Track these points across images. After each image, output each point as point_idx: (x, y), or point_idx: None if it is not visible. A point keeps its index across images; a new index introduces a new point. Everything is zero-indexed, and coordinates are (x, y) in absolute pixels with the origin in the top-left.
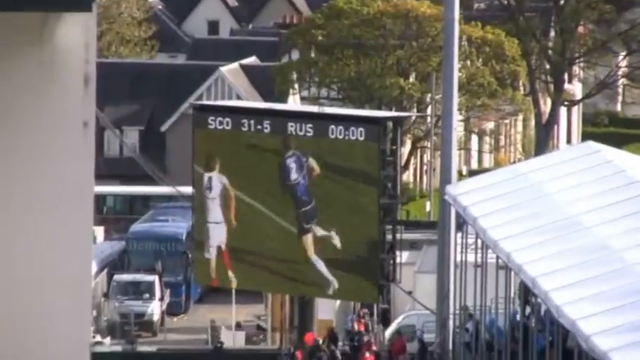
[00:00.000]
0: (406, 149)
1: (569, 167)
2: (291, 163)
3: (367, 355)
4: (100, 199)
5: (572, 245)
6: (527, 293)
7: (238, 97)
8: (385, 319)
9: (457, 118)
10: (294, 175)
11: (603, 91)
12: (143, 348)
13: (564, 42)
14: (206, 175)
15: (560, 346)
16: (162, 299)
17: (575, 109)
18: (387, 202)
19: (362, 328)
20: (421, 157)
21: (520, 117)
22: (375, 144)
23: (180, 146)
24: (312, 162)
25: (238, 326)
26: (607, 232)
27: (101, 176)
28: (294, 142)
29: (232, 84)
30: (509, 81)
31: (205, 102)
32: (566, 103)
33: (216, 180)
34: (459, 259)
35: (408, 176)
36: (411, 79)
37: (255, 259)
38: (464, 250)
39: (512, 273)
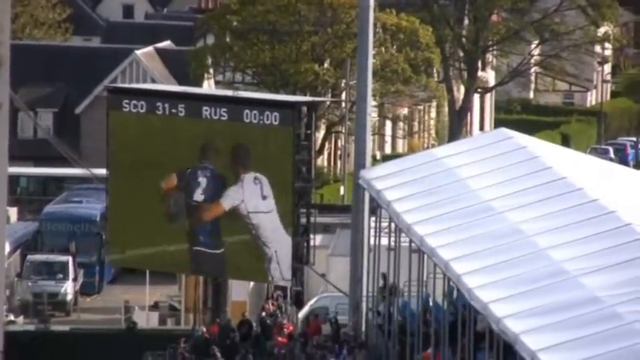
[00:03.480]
0: (320, 134)
1: (482, 153)
2: (201, 177)
3: (280, 336)
4: (13, 180)
5: (484, 230)
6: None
7: (153, 81)
8: (298, 301)
9: (371, 103)
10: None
11: (516, 78)
12: (56, 327)
13: (478, 30)
14: None
15: (472, 328)
16: (75, 279)
17: (488, 96)
18: (301, 185)
19: (274, 309)
20: (335, 141)
21: (434, 103)
22: (290, 128)
23: (94, 129)
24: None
25: (155, 306)
26: (519, 217)
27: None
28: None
29: (147, 67)
30: (423, 68)
31: (120, 85)
32: (479, 90)
33: None
34: (372, 242)
35: (322, 160)
36: (326, 65)
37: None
38: (377, 233)
39: (425, 256)
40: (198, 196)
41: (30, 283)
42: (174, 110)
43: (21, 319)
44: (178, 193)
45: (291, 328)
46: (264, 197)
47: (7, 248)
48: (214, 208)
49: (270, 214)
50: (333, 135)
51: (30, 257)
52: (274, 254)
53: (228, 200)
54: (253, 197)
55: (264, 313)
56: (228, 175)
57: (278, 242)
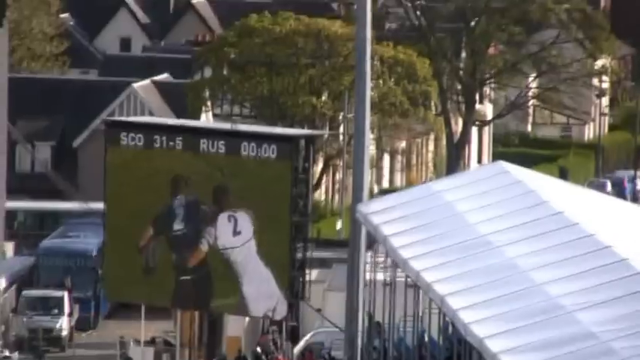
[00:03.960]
0: (318, 167)
1: (479, 187)
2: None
3: None
4: (10, 215)
5: (480, 265)
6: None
7: (151, 114)
8: (294, 337)
9: (369, 136)
10: (177, 226)
11: (514, 111)
12: None
13: (475, 63)
14: None
15: None
16: (71, 314)
17: (486, 129)
18: (298, 219)
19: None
20: (333, 175)
21: (432, 136)
22: (288, 162)
23: (92, 162)
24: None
25: (153, 342)
26: (515, 251)
27: (12, 191)
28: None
29: (145, 100)
30: (421, 101)
31: (117, 118)
32: (477, 123)
33: None
34: (368, 277)
35: (319, 194)
36: (324, 98)
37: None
38: (374, 268)
39: (421, 292)
40: (178, 224)
41: (25, 319)
42: (171, 143)
43: (16, 354)
44: (156, 243)
45: None
46: (237, 233)
47: (3, 284)
48: (196, 254)
49: (242, 247)
50: (331, 168)
51: (25, 292)
52: (248, 288)
53: (205, 243)
54: (225, 234)
55: (259, 349)
56: (207, 212)
57: (252, 275)
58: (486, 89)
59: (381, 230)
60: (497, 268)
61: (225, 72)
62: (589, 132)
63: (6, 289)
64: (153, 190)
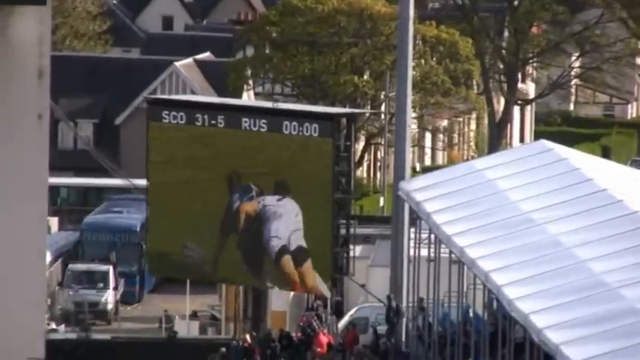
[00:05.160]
0: (360, 145)
1: (522, 165)
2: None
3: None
4: (54, 191)
5: (524, 242)
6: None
7: (192, 92)
8: (338, 311)
9: (411, 115)
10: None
11: (556, 90)
12: (97, 336)
13: (518, 42)
14: None
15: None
16: (116, 288)
17: (528, 108)
18: (340, 197)
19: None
20: (375, 153)
21: (473, 115)
22: (329, 140)
23: (134, 140)
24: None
25: (194, 316)
26: (559, 229)
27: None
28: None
29: (186, 79)
30: (463, 80)
31: (159, 96)
32: (519, 102)
33: None
34: (412, 253)
35: (361, 172)
36: (365, 77)
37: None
38: (417, 244)
39: (465, 268)
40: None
41: (71, 292)
42: (213, 121)
43: (62, 327)
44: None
45: (330, 338)
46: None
47: (49, 257)
48: (247, 207)
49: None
50: (373, 146)
51: (71, 266)
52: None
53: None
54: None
55: (302, 323)
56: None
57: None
58: (529, 68)
59: (424, 207)
60: (541, 245)
61: (267, 51)
62: (632, 111)
63: (51, 264)
64: (194, 168)
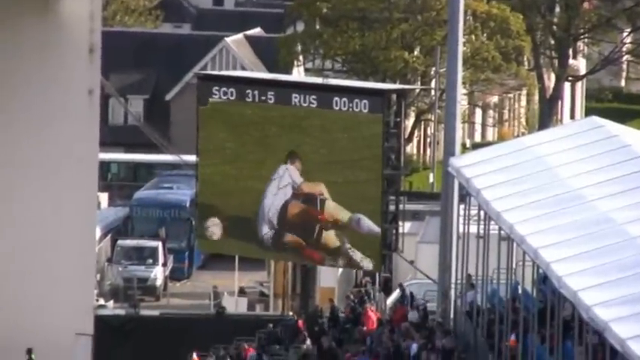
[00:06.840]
0: (410, 122)
1: (573, 141)
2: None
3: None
4: (104, 166)
5: (574, 218)
6: None
7: (243, 68)
8: (387, 288)
9: (461, 91)
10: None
11: (607, 67)
12: (146, 312)
13: (569, 18)
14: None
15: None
16: (165, 265)
17: (578, 84)
18: (390, 173)
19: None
20: (425, 129)
21: (524, 91)
22: (379, 116)
23: (184, 115)
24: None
25: (242, 292)
26: (609, 205)
27: (106, 144)
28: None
29: (237, 54)
30: (514, 56)
31: (210, 72)
32: (570, 78)
33: None
34: (461, 230)
35: (411, 148)
36: (416, 53)
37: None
38: (466, 221)
39: (515, 244)
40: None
41: (120, 268)
42: (263, 97)
43: (111, 303)
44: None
45: (378, 314)
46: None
47: (98, 233)
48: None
49: None
50: (423, 123)
51: (120, 242)
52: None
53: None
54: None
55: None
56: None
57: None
58: (580, 44)
59: (473, 183)
60: (591, 222)
61: (317, 27)
62: None
63: (101, 239)
64: (245, 143)
